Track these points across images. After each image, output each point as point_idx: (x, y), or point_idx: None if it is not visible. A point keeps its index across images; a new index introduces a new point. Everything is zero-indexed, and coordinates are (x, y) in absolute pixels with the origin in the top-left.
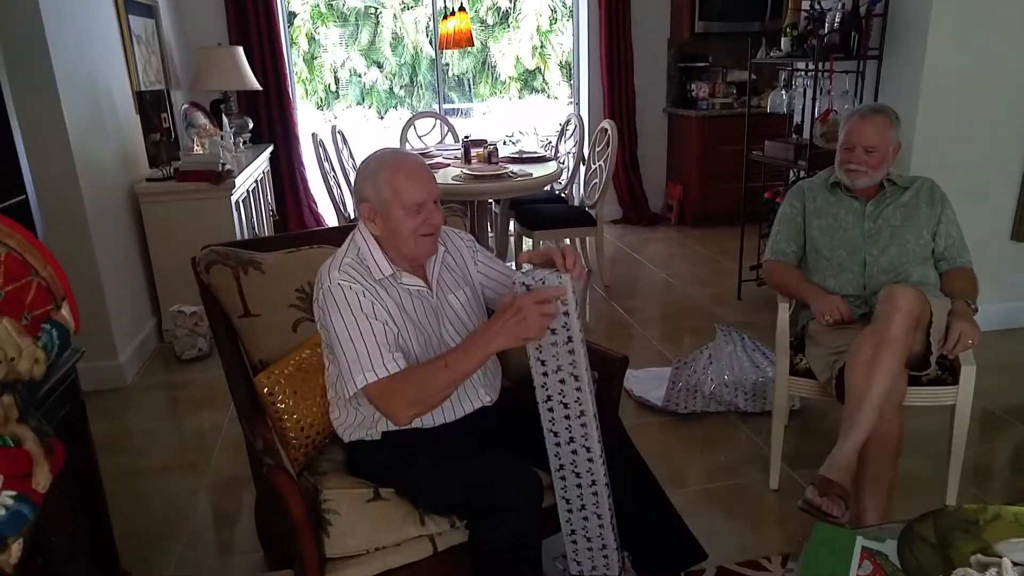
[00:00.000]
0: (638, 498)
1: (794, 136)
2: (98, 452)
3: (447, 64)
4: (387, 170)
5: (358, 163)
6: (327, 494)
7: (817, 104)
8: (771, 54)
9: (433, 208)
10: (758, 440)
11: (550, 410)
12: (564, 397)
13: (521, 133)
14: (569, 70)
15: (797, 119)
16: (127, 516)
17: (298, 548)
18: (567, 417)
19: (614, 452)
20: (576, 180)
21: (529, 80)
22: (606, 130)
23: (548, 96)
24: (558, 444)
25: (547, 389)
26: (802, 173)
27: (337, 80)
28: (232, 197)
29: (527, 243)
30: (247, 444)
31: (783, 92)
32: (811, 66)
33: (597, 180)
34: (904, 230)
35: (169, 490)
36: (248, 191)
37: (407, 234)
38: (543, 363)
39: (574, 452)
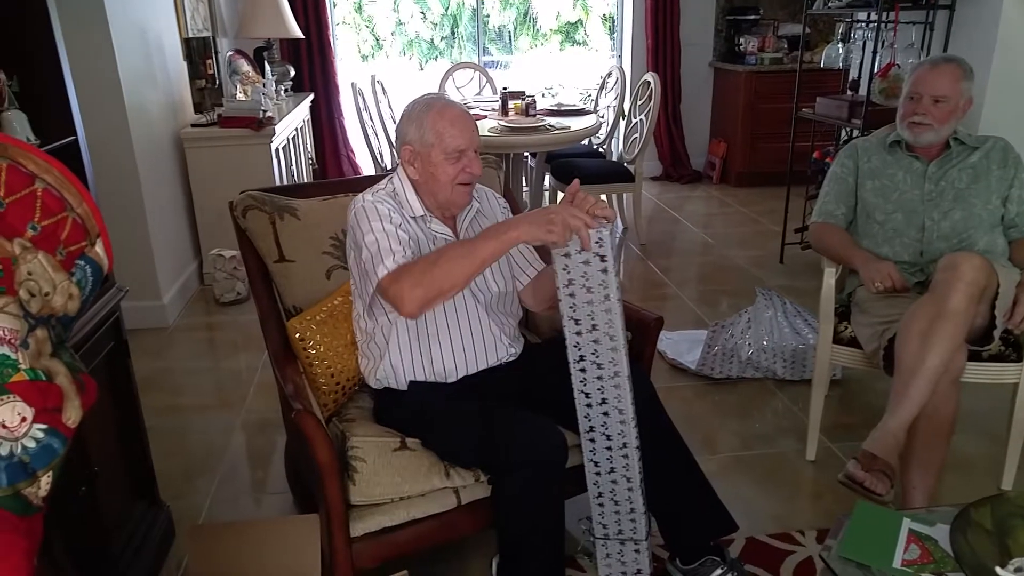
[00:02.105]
0: (667, 464)
1: (849, 93)
2: (140, 389)
3: (487, 16)
4: (433, 113)
5: (396, 114)
6: (354, 441)
7: (878, 58)
8: (829, 4)
9: (473, 157)
10: (795, 409)
11: (582, 370)
12: (598, 357)
13: (560, 86)
14: (612, 23)
15: (854, 75)
16: (165, 451)
17: (324, 493)
18: (600, 378)
19: (644, 416)
20: (615, 135)
21: (570, 32)
22: (649, 83)
23: (589, 49)
24: (589, 406)
25: (580, 349)
26: (855, 132)
27: (373, 27)
28: (272, 144)
29: (561, 198)
30: (278, 388)
31: (839, 46)
32: (873, 16)
33: (637, 135)
34: (970, 193)
35: (206, 428)
36: (288, 139)
37: (445, 181)
38: (577, 321)
39: (605, 414)
